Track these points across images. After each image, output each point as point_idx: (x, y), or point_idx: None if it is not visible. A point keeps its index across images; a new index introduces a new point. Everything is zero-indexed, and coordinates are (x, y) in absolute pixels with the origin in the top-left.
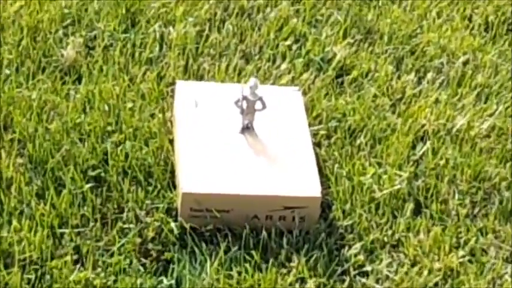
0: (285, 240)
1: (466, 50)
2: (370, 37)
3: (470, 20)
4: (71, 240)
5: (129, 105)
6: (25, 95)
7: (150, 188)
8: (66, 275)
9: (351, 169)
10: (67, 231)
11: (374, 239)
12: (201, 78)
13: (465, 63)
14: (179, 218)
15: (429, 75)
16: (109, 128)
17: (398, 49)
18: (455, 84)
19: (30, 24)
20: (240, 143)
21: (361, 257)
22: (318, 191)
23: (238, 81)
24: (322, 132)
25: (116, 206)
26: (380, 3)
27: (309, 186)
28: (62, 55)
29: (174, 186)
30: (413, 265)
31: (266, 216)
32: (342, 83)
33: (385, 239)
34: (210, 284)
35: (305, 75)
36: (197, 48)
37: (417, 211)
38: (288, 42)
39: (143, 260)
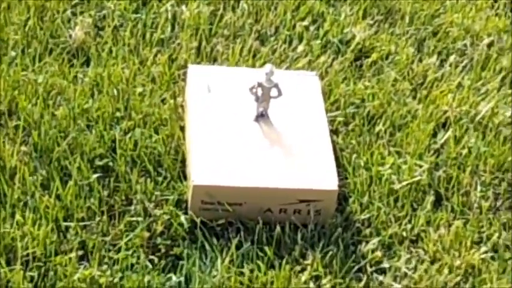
0: (299, 235)
1: (491, 31)
2: (390, 17)
3: None
4: (76, 234)
5: (139, 89)
6: (31, 79)
7: (160, 179)
8: (70, 272)
9: (369, 158)
10: (72, 224)
11: (392, 233)
12: (214, 60)
13: (489, 45)
14: (189, 211)
15: (452, 58)
16: (118, 114)
17: (420, 30)
18: (479, 67)
19: (37, 3)
20: (254, 132)
21: (379, 253)
22: (334, 184)
23: (253, 65)
24: (339, 118)
25: (123, 198)
26: None
27: (325, 179)
28: (70, 36)
29: (185, 177)
30: (433, 262)
31: (280, 209)
32: (361, 66)
33: (404, 233)
34: (221, 283)
35: (322, 58)
36: (210, 29)
37: (438, 204)
38: (305, 23)
39: (151, 256)
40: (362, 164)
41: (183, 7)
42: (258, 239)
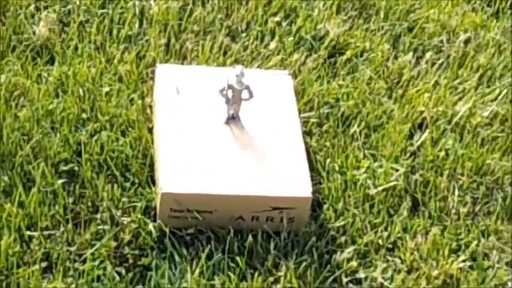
0: (272, 244)
1: (467, 27)
2: (365, 12)
3: None
4: (40, 244)
5: (106, 89)
6: None
7: (128, 184)
8: (34, 285)
9: (343, 162)
10: (36, 234)
11: (368, 241)
12: (183, 58)
13: (466, 41)
14: (158, 220)
15: (428, 55)
16: (83, 116)
17: (395, 26)
18: (456, 65)
19: None
20: (224, 135)
21: (354, 263)
22: (308, 191)
23: (224, 62)
24: (313, 120)
25: (89, 205)
26: None
27: (298, 186)
28: (34, 32)
29: (154, 182)
30: (409, 271)
31: (252, 217)
32: (335, 63)
33: (380, 241)
34: None
35: (295, 56)
36: (180, 24)
37: (414, 209)
38: (277, 18)
39: (118, 267)
40: (336, 168)
41: (152, 1)
42: (229, 248)
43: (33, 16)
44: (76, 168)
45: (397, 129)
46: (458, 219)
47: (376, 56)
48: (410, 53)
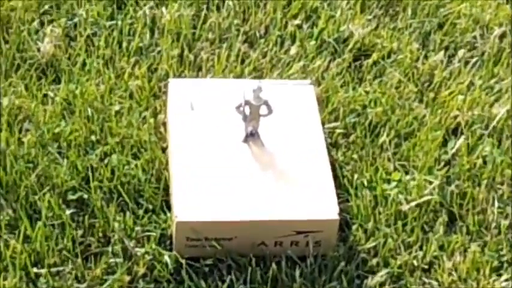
0: (297, 271)
1: (502, 21)
2: (391, 9)
3: None
4: (47, 283)
5: (116, 107)
6: None
7: (141, 212)
8: None
9: (372, 176)
10: (43, 271)
11: (402, 263)
12: (198, 69)
13: (501, 36)
14: (174, 249)
15: (460, 53)
16: (92, 138)
17: (425, 23)
18: (491, 63)
19: (2, 14)
20: (243, 155)
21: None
22: (335, 213)
23: (242, 72)
24: (338, 130)
25: (100, 236)
26: None
27: (324, 207)
28: (39, 49)
29: (169, 207)
30: None
31: (275, 242)
32: (361, 67)
33: (415, 262)
34: None
35: (318, 61)
36: (194, 33)
37: (451, 224)
38: (298, 21)
39: None
40: (365, 182)
41: (163, 9)
42: (252, 277)
43: (37, 32)
44: (85, 196)
45: (429, 136)
46: (499, 233)
47: (405, 57)
48: (442, 52)
